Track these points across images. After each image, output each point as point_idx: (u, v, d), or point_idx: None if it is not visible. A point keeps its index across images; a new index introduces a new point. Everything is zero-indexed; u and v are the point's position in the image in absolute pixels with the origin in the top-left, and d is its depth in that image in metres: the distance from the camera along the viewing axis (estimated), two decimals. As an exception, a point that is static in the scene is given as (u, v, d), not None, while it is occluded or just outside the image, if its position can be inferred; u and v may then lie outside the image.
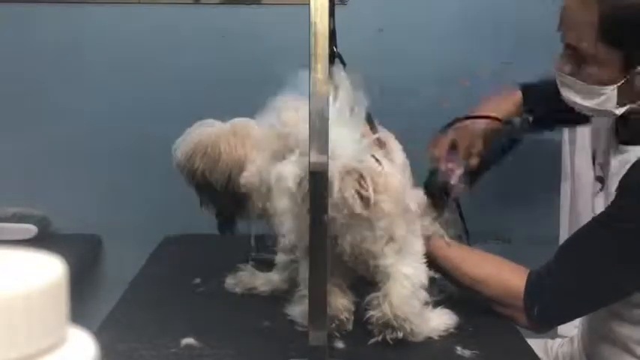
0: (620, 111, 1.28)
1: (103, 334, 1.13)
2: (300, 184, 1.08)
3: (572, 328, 1.64)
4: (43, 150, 1.94)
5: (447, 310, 1.22)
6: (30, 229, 1.83)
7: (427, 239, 1.28)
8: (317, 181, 0.90)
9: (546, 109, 1.56)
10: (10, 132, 1.93)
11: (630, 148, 1.32)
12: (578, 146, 1.88)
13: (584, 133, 1.43)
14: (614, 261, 1.25)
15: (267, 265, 1.42)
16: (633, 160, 1.28)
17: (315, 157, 0.89)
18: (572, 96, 1.32)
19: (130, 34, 1.93)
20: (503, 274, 1.33)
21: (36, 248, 0.41)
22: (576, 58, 1.29)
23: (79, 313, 0.46)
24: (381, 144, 1.16)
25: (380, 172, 1.10)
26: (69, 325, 0.39)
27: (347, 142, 1.06)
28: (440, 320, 1.20)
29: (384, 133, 1.20)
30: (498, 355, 1.16)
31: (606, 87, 1.26)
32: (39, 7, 1.92)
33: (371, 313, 1.13)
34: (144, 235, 1.85)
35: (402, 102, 1.95)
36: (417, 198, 1.27)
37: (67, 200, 1.94)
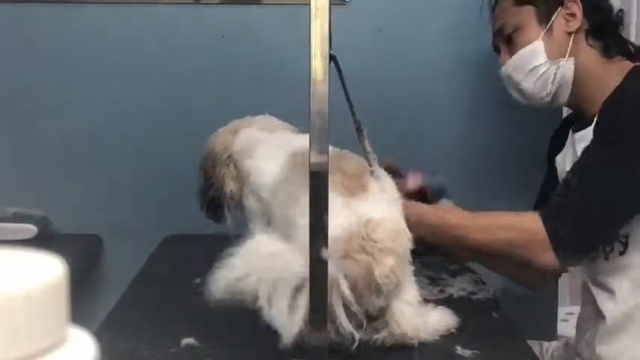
0: (554, 67, 1.41)
1: (103, 334, 1.13)
2: None
3: (572, 329, 1.64)
4: (43, 150, 1.94)
5: (447, 311, 1.22)
6: (30, 229, 1.83)
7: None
8: (317, 181, 0.90)
9: None
10: (10, 132, 1.93)
11: (583, 132, 1.42)
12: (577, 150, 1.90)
13: (583, 137, 1.47)
14: (624, 172, 1.29)
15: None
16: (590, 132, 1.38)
17: (315, 157, 0.89)
18: (520, 84, 1.46)
19: (130, 34, 1.93)
20: (514, 220, 1.32)
21: (36, 248, 0.41)
22: (507, 43, 1.47)
23: (79, 313, 0.46)
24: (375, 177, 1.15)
25: (375, 229, 1.06)
26: (69, 325, 0.39)
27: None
28: (440, 320, 1.19)
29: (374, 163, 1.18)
30: (498, 355, 1.16)
31: (531, 43, 1.42)
32: (39, 7, 1.92)
33: (376, 336, 1.11)
34: (144, 235, 1.85)
35: (401, 102, 1.95)
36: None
37: (67, 200, 1.94)
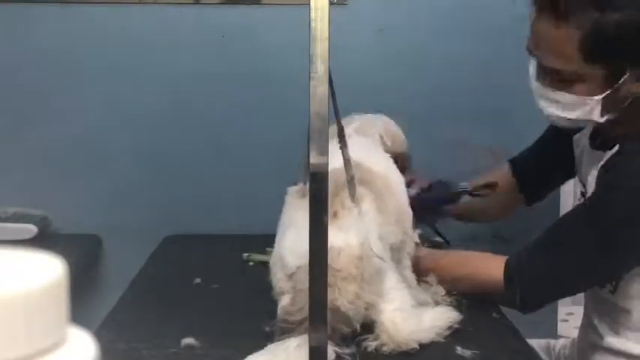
0: (602, 119, 1.28)
1: (103, 334, 1.13)
2: None
3: (572, 329, 1.64)
4: (43, 150, 1.94)
5: (447, 308, 1.23)
6: (30, 229, 1.83)
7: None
8: (317, 181, 0.90)
9: (536, 179, 1.64)
10: (10, 132, 1.93)
11: (603, 153, 1.33)
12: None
13: (583, 136, 1.44)
14: (592, 250, 1.27)
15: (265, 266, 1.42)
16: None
17: (315, 158, 0.89)
18: (554, 109, 1.29)
19: (130, 34, 1.93)
20: (483, 264, 1.38)
21: (36, 248, 0.41)
22: (558, 78, 1.27)
23: (79, 313, 0.46)
24: (351, 191, 1.15)
25: (336, 257, 1.08)
26: (69, 325, 0.39)
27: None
28: (440, 318, 1.19)
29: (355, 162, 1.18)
30: (498, 355, 1.16)
31: (592, 97, 1.25)
32: (39, 7, 1.92)
33: (372, 344, 1.12)
34: (144, 235, 1.85)
35: (401, 102, 1.95)
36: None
37: (67, 200, 1.94)
